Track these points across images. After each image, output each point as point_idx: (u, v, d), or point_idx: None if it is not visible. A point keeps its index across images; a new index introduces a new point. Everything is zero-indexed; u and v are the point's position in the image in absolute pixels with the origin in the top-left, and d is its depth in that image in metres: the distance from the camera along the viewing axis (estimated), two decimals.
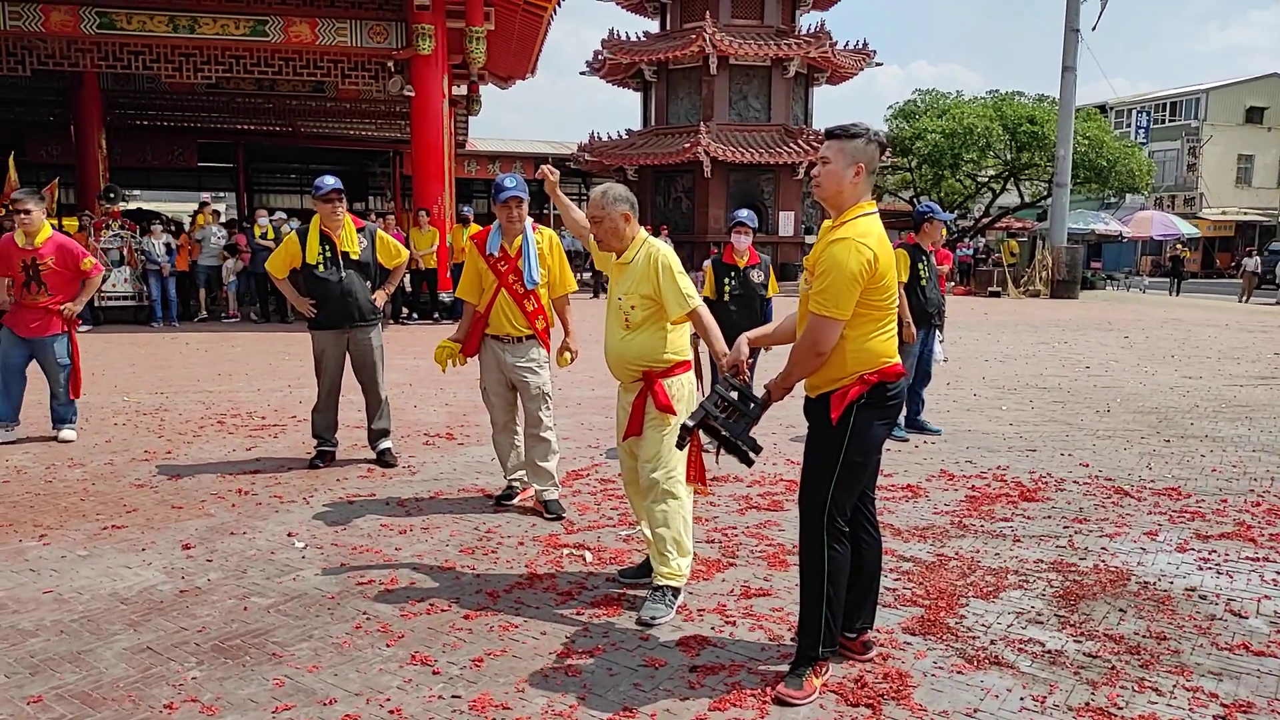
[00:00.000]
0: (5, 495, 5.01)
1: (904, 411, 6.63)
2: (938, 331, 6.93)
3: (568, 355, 4.75)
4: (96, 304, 13.66)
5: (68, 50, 14.42)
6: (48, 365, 6.20)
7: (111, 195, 15.28)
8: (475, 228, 11.30)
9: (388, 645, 3.22)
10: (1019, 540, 4.41)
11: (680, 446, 3.24)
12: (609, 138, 26.70)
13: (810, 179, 3.00)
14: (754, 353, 3.56)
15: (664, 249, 3.65)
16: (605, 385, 7.83)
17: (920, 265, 6.61)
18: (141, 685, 2.92)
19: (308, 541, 4.31)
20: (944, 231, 7.05)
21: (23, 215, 5.86)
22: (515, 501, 4.95)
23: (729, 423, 3.07)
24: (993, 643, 3.26)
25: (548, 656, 3.14)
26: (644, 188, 25.84)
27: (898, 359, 2.94)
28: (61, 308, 6.10)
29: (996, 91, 31.16)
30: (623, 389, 3.79)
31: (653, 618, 3.43)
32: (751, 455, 3.09)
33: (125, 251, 13.83)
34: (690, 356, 3.76)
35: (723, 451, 3.15)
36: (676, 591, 3.57)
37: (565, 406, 7.43)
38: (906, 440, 6.61)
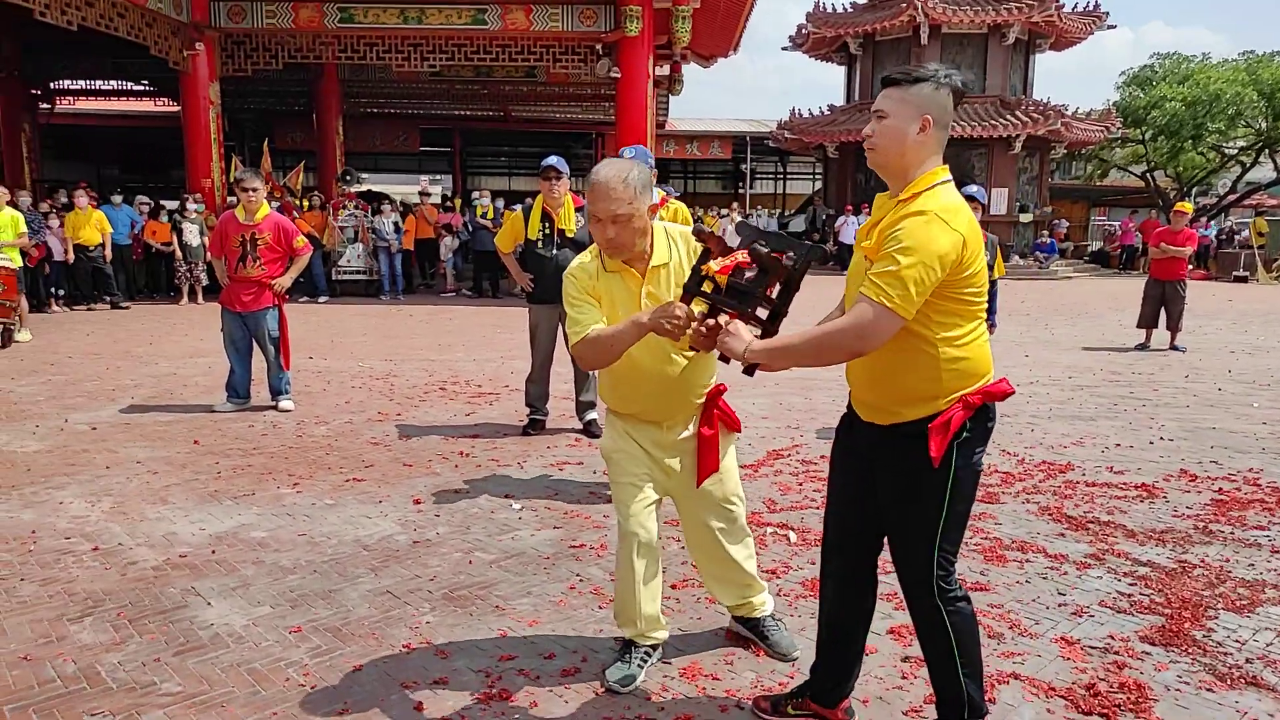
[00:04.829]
0: (264, 447, 5.60)
1: None
2: None
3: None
4: (333, 277, 15.02)
5: (313, 44, 15.83)
6: (261, 338, 6.53)
7: (348, 178, 16.65)
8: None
9: (600, 608, 3.34)
10: (1277, 551, 3.96)
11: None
12: (809, 114, 26.16)
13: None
14: None
15: (682, 229, 2.75)
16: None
17: None
18: (383, 625, 3.19)
19: (524, 503, 4.54)
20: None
21: (251, 193, 6.39)
22: None
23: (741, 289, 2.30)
24: (1248, 661, 2.95)
25: None
26: (845, 165, 25.17)
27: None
28: (272, 282, 6.50)
29: (1251, 53, 27.79)
30: (664, 429, 2.78)
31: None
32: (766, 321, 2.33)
33: (359, 230, 15.07)
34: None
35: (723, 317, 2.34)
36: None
37: (763, 386, 7.39)
38: None
